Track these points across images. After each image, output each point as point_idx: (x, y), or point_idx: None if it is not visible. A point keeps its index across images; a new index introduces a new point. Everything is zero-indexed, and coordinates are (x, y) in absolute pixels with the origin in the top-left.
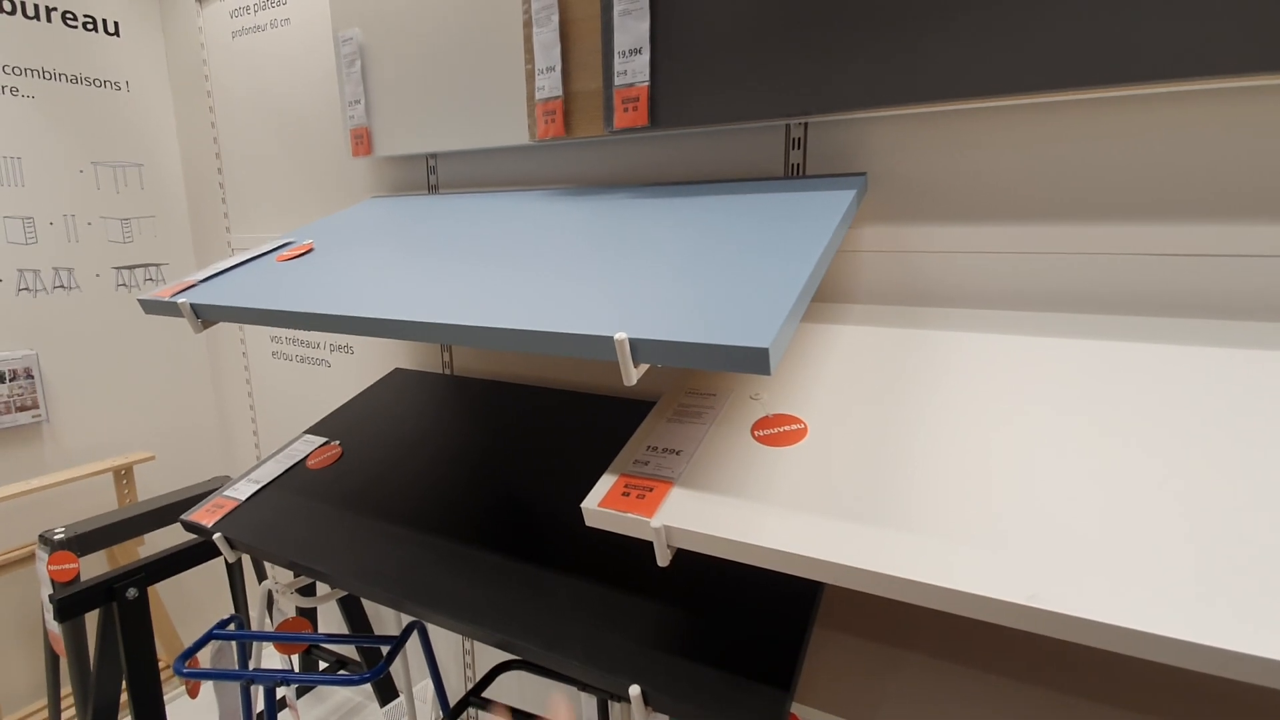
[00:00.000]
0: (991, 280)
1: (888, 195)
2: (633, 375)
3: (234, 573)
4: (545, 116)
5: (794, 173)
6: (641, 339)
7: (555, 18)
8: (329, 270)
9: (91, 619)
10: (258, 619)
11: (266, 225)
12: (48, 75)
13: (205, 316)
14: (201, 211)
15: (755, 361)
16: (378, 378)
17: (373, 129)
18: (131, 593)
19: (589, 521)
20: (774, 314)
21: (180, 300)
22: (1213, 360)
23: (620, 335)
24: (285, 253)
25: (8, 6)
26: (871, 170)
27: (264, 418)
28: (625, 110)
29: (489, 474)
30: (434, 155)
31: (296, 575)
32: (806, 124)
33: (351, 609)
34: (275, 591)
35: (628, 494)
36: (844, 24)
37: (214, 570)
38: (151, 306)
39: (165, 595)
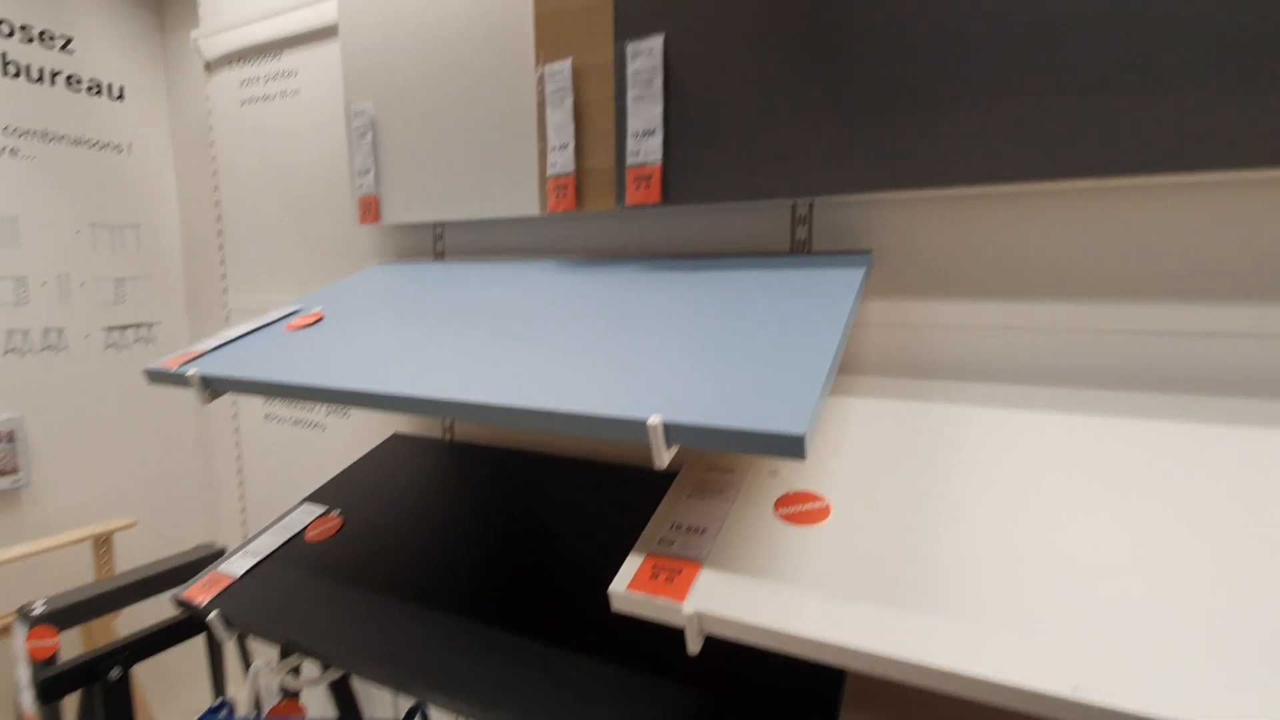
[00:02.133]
0: (999, 355)
1: (893, 271)
2: (665, 458)
3: (215, 649)
4: (557, 191)
5: (800, 248)
6: (675, 423)
7: (569, 100)
8: (342, 340)
9: (68, 698)
10: (245, 700)
11: (268, 288)
12: (49, 138)
13: (215, 388)
14: (198, 273)
15: (790, 447)
16: (374, 443)
17: (381, 197)
18: (115, 673)
19: (616, 605)
20: (806, 397)
21: (190, 371)
22: (1225, 437)
23: (654, 420)
24: (295, 321)
25: (11, 70)
26: (876, 247)
27: (252, 483)
28: (638, 188)
29: (497, 547)
30: (442, 223)
31: (286, 655)
32: (812, 202)
33: (340, 690)
34: (266, 673)
35: (656, 576)
36: (848, 111)
37: (190, 644)
38: (158, 377)
39: (139, 671)
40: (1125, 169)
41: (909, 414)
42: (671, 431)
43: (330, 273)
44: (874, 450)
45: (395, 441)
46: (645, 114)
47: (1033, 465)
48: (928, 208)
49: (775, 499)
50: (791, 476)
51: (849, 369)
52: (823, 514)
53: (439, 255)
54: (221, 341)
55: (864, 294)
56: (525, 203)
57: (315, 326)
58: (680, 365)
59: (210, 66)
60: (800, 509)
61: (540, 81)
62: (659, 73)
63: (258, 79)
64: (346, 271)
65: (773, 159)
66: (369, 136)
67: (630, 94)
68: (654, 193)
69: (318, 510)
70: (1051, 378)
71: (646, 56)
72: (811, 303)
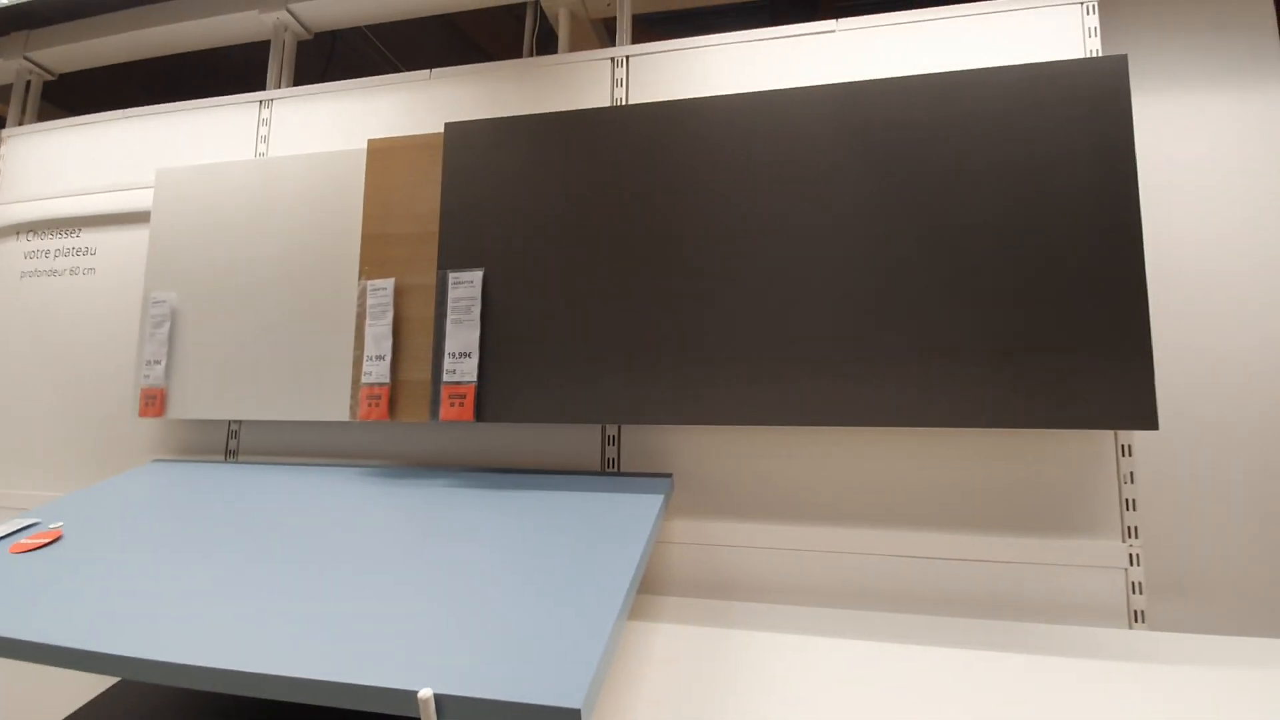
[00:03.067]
0: (787, 576)
1: (693, 492)
2: None
3: None
4: (369, 400)
5: (609, 466)
6: (448, 695)
7: (389, 315)
8: (75, 570)
9: None
10: None
11: (14, 479)
12: None
13: None
14: None
15: None
16: (100, 688)
17: (170, 390)
18: None
19: None
20: (586, 663)
21: None
22: (996, 663)
23: (425, 693)
24: (24, 540)
25: None
26: (677, 470)
27: None
28: (452, 405)
29: None
30: (239, 420)
31: None
32: (620, 426)
33: None
34: None
35: None
36: (649, 355)
37: None
38: None
39: None
40: (866, 420)
41: (706, 643)
42: (444, 704)
43: (98, 466)
44: (671, 687)
45: (124, 691)
46: (463, 337)
47: (822, 700)
48: (720, 436)
49: None
50: None
51: (655, 588)
52: None
53: (231, 454)
54: None
55: (669, 513)
56: (334, 408)
57: (48, 549)
58: (469, 613)
59: None
60: None
61: (362, 295)
62: (478, 302)
63: (47, 252)
64: (117, 466)
65: (582, 387)
66: (166, 326)
67: (450, 317)
68: (468, 411)
69: None
70: (833, 598)
71: (467, 286)
72: (611, 535)
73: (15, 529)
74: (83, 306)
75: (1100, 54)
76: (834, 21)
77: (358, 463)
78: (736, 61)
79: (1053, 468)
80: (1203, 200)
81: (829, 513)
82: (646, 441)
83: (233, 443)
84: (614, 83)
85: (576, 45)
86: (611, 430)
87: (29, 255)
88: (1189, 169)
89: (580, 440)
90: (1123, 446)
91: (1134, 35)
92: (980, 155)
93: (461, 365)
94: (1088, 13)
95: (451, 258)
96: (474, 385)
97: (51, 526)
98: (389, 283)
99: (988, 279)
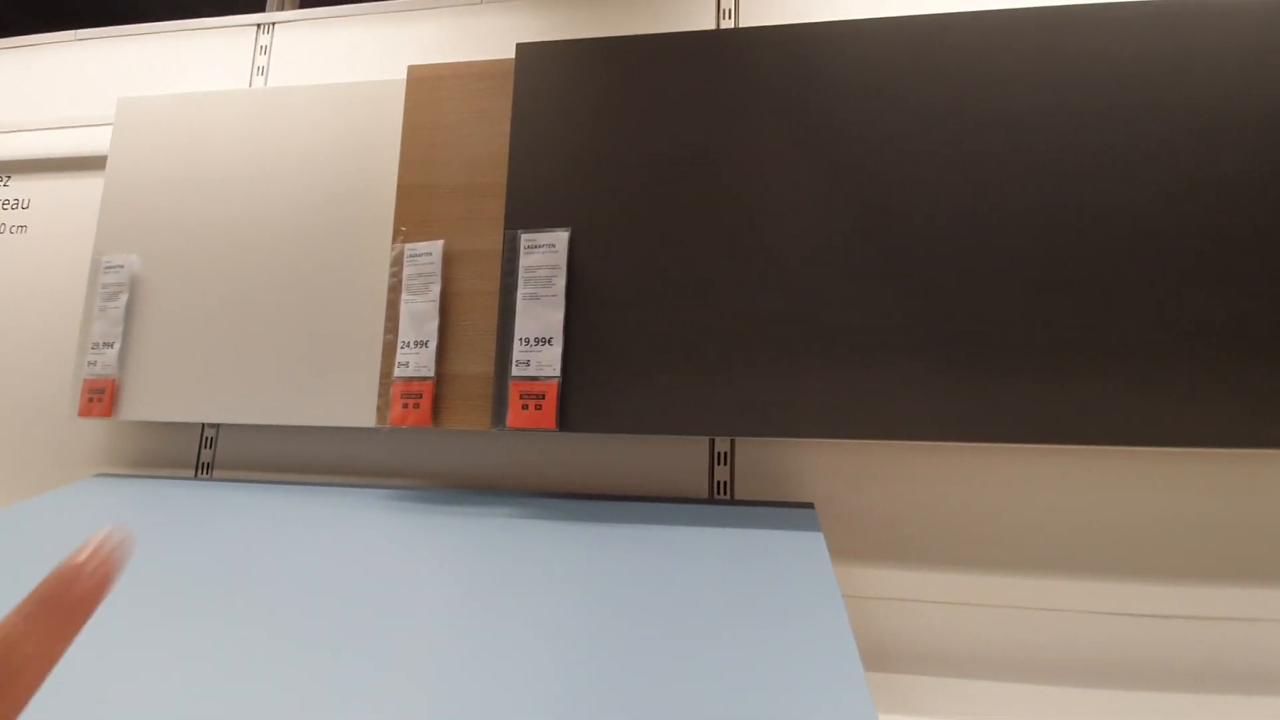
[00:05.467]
0: (966, 641)
1: (834, 527)
2: None
3: None
4: (406, 399)
5: (719, 491)
6: None
7: (435, 288)
8: None
9: None
10: None
11: None
12: None
13: None
14: None
15: None
16: None
17: (124, 382)
18: None
19: None
20: None
21: None
22: None
23: None
24: None
25: None
26: (814, 497)
27: None
28: (525, 407)
29: None
30: (215, 424)
31: None
32: (733, 441)
33: None
34: None
35: None
36: (789, 347)
37: None
38: None
39: None
40: (1086, 438)
41: None
42: None
43: (14, 483)
44: None
45: None
46: (541, 318)
47: None
48: (868, 454)
49: None
50: None
51: None
52: None
53: (205, 469)
54: None
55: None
56: (353, 409)
57: None
58: None
59: None
60: None
61: (398, 262)
62: (562, 272)
63: None
64: (43, 483)
65: (702, 388)
66: (122, 300)
67: (521, 292)
68: (547, 416)
69: None
70: (1029, 670)
71: (547, 251)
72: (789, 592)
73: None
74: (8, 273)
75: None
76: None
77: (386, 484)
78: None
79: None
80: None
81: (1022, 557)
82: (766, 460)
83: (207, 453)
84: (719, 14)
85: None
86: (722, 446)
87: None
88: None
89: (681, 458)
90: None
91: None
92: (1231, 101)
93: (538, 355)
94: None
95: (524, 214)
96: (556, 382)
97: None
98: (435, 246)
99: (1250, 250)
